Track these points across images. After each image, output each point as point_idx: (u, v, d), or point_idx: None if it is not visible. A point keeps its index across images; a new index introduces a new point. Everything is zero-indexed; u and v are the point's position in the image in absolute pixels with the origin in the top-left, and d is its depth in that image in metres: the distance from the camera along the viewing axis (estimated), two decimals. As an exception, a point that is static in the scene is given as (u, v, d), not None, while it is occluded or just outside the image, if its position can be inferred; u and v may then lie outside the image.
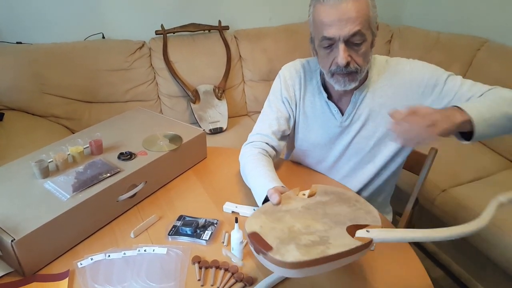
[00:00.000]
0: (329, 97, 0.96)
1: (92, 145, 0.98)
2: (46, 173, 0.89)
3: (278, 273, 0.59)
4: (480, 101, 0.79)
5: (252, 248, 0.60)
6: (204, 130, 1.13)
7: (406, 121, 0.67)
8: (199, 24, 2.13)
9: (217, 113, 2.05)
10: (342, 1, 0.77)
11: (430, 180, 1.58)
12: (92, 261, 0.76)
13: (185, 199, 0.97)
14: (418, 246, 1.74)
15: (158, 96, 2.09)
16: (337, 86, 0.86)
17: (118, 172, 0.90)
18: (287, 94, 1.00)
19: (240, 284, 0.71)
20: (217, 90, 2.08)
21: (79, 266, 0.75)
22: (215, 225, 0.86)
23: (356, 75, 0.84)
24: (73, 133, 1.32)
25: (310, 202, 0.69)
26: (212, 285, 0.71)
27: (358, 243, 0.58)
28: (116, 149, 1.01)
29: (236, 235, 0.74)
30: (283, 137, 1.03)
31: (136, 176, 0.92)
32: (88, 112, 1.93)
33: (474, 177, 1.61)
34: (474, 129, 0.72)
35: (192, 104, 2.04)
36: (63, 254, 0.80)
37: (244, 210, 0.91)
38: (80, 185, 0.84)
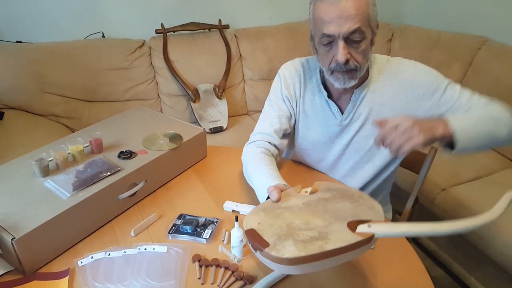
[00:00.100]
0: (329, 95, 0.96)
1: (92, 144, 0.98)
2: (46, 171, 0.89)
3: (276, 270, 0.59)
4: (469, 117, 0.81)
5: (250, 246, 0.60)
6: (204, 129, 1.13)
7: (387, 134, 0.71)
8: (199, 23, 2.13)
9: (217, 112, 2.05)
10: None
11: (430, 179, 1.58)
12: (93, 259, 0.76)
13: (185, 198, 0.97)
14: (418, 245, 1.74)
15: (158, 95, 2.09)
16: (336, 84, 0.86)
17: (118, 171, 0.90)
18: (287, 93, 1.00)
19: (240, 283, 0.71)
20: (217, 89, 2.08)
21: (80, 264, 0.75)
22: (215, 223, 0.86)
23: (356, 73, 0.84)
24: (73, 132, 1.32)
25: (311, 199, 0.69)
26: (212, 284, 0.71)
27: (359, 238, 0.57)
28: (116, 148, 1.01)
29: (236, 234, 0.74)
30: (285, 136, 1.03)
31: (136, 175, 0.92)
32: (88, 111, 1.93)
33: (474, 176, 1.61)
34: (455, 143, 0.74)
35: (192, 103, 2.04)
36: (63, 252, 0.80)
37: (244, 209, 0.91)
38: (80, 184, 0.84)
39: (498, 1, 1.98)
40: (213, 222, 0.86)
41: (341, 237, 0.58)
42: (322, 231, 0.59)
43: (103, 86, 1.94)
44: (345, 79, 0.85)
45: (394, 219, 1.20)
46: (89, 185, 0.85)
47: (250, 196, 0.97)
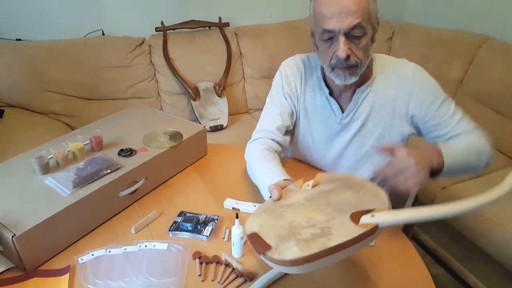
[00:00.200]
0: (330, 93, 0.96)
1: (92, 141, 0.98)
2: (47, 169, 0.89)
3: (281, 270, 0.58)
4: (458, 149, 0.84)
5: (253, 249, 0.59)
6: (204, 127, 1.13)
7: (390, 177, 0.71)
8: (199, 21, 2.13)
9: (217, 110, 2.04)
10: None
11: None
12: (93, 256, 0.76)
13: (186, 196, 0.97)
14: (418, 242, 1.74)
15: (158, 93, 2.09)
16: (337, 80, 0.86)
17: (119, 168, 0.90)
18: (288, 90, 1.00)
19: (240, 280, 0.71)
20: (217, 87, 2.08)
21: (80, 261, 0.75)
22: (216, 221, 0.86)
23: (357, 69, 0.84)
24: (73, 130, 1.33)
25: (313, 193, 0.68)
26: (212, 281, 0.71)
27: (362, 230, 0.56)
28: (116, 146, 1.01)
29: (237, 231, 0.74)
30: (287, 132, 1.03)
31: (136, 172, 0.92)
32: (88, 109, 1.93)
33: (474, 174, 1.61)
34: (440, 173, 0.78)
35: (192, 101, 2.04)
36: (64, 249, 0.80)
37: (245, 207, 0.91)
38: (81, 181, 0.84)
39: (499, -1, 1.98)
40: (213, 220, 0.86)
41: (344, 231, 0.56)
42: (325, 226, 0.58)
43: (103, 84, 1.94)
44: (346, 76, 0.84)
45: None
46: (89, 183, 0.85)
47: (251, 194, 0.97)
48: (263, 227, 0.60)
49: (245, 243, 0.80)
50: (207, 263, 0.75)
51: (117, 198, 0.89)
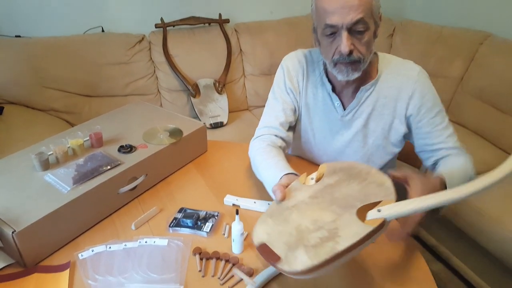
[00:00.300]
0: (332, 89, 0.95)
1: (92, 137, 0.98)
2: (46, 165, 0.89)
3: (293, 277, 0.57)
4: (458, 177, 0.83)
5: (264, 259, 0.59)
6: (204, 123, 1.13)
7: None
8: (199, 17, 2.12)
9: (217, 107, 2.04)
10: None
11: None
12: (93, 252, 0.76)
13: (186, 192, 0.97)
14: (418, 239, 1.74)
15: (158, 90, 2.09)
16: (340, 76, 0.86)
17: (119, 164, 0.90)
18: (291, 85, 0.99)
19: (240, 275, 0.71)
20: (217, 84, 2.08)
21: (80, 257, 0.75)
22: (216, 217, 0.86)
23: (359, 65, 0.84)
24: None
25: (318, 188, 0.67)
26: (212, 276, 0.72)
27: (369, 229, 0.55)
28: (116, 142, 1.00)
29: (237, 227, 0.74)
30: (290, 128, 1.02)
31: (136, 168, 0.92)
32: (88, 106, 1.93)
33: (475, 171, 1.61)
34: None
35: (192, 98, 2.03)
36: (64, 245, 0.80)
37: (245, 203, 0.91)
38: (81, 178, 0.84)
39: (500, -4, 1.97)
40: (213, 216, 0.86)
41: (352, 231, 0.56)
42: (332, 228, 0.58)
43: (103, 81, 1.94)
44: (349, 71, 0.84)
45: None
46: (89, 179, 0.84)
47: (251, 190, 0.97)
48: (271, 235, 0.60)
49: (245, 239, 0.80)
50: (207, 259, 0.75)
51: (117, 194, 0.89)
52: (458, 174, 0.83)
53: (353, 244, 0.54)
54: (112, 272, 0.72)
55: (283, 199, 0.67)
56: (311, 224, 0.60)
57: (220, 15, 2.15)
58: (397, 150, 1.00)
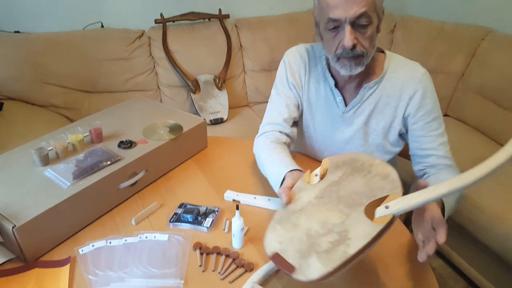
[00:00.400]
0: (335, 85, 0.95)
1: (92, 133, 0.98)
2: (46, 161, 0.88)
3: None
4: (453, 202, 0.80)
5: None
6: (204, 119, 1.13)
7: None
8: (199, 13, 2.11)
9: (217, 103, 2.04)
10: None
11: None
12: (93, 247, 0.76)
13: (186, 188, 0.97)
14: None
15: (158, 86, 2.08)
16: (343, 70, 0.85)
17: (119, 160, 0.90)
18: (293, 80, 0.98)
19: (240, 270, 0.71)
20: (217, 80, 2.07)
21: (81, 252, 0.75)
22: (216, 212, 0.86)
23: (363, 59, 0.83)
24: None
25: (323, 187, 0.66)
26: (213, 271, 0.72)
27: (379, 228, 0.55)
28: (116, 138, 1.00)
29: (237, 222, 0.74)
30: (294, 124, 1.02)
31: (136, 164, 0.92)
32: (88, 102, 1.93)
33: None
34: None
35: (192, 94, 2.03)
36: (64, 240, 0.80)
37: (245, 198, 0.91)
38: (81, 173, 0.84)
39: (502, -9, 1.96)
40: (214, 211, 0.86)
41: (362, 232, 0.56)
42: (341, 230, 0.57)
43: (102, 77, 1.93)
44: (352, 66, 0.83)
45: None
46: (90, 174, 0.84)
47: (251, 186, 0.96)
48: (283, 244, 0.59)
49: (245, 234, 0.80)
50: (207, 254, 0.75)
51: (117, 189, 0.89)
52: (453, 201, 0.81)
53: (364, 246, 0.54)
54: (112, 267, 0.72)
55: (289, 202, 0.66)
56: (321, 228, 0.59)
57: (220, 10, 2.14)
58: (396, 149, 0.99)
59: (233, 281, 0.69)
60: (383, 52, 0.94)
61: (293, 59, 0.99)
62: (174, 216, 0.85)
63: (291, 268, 0.56)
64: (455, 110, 2.04)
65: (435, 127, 0.90)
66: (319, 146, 1.05)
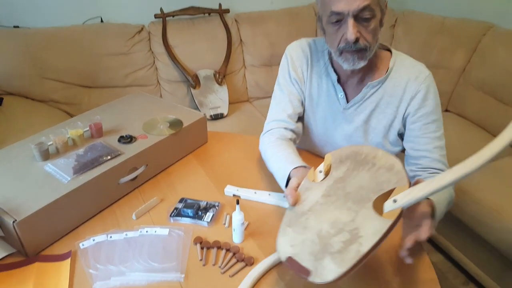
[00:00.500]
0: (337, 80, 0.94)
1: (92, 128, 0.98)
2: (46, 155, 0.88)
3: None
4: (443, 204, 0.78)
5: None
6: (204, 114, 1.12)
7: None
8: (199, 8, 2.10)
9: (217, 98, 2.03)
10: None
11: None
12: (94, 242, 0.76)
13: (186, 183, 0.97)
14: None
15: (158, 81, 2.08)
16: (345, 65, 0.84)
17: (119, 155, 0.90)
18: (295, 75, 0.98)
19: (241, 264, 0.72)
20: (217, 75, 2.06)
21: (81, 247, 0.75)
22: (217, 207, 0.86)
23: (365, 53, 0.82)
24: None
25: (328, 185, 0.65)
26: (213, 265, 0.72)
27: (389, 223, 0.55)
28: (116, 133, 1.00)
29: (237, 217, 0.74)
30: (299, 119, 1.01)
31: (136, 159, 0.92)
32: (88, 97, 1.92)
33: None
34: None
35: (192, 89, 2.02)
36: (65, 235, 0.80)
37: (246, 193, 0.91)
38: (81, 168, 0.84)
39: (503, -14, 1.94)
40: (214, 206, 0.86)
41: (372, 228, 0.56)
42: (352, 228, 0.57)
43: (102, 72, 1.93)
44: (355, 60, 0.82)
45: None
46: (90, 169, 0.84)
47: (251, 181, 0.97)
48: (295, 247, 0.59)
49: (245, 228, 0.80)
50: (208, 248, 0.75)
51: (118, 184, 0.89)
52: (443, 198, 0.79)
53: (376, 242, 0.54)
54: (113, 261, 0.72)
55: (295, 203, 0.66)
56: (331, 228, 0.59)
57: (220, 5, 2.13)
58: (396, 149, 0.98)
59: (233, 275, 0.70)
60: (389, 50, 0.92)
61: (295, 54, 0.98)
62: (175, 210, 0.85)
63: (307, 272, 0.56)
64: (455, 105, 2.03)
65: (432, 129, 0.89)
66: (319, 141, 1.05)
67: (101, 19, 2.01)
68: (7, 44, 1.72)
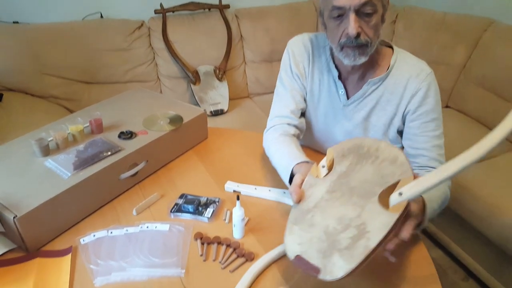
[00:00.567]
0: (338, 76, 0.94)
1: (92, 124, 0.98)
2: (47, 151, 0.88)
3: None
4: (436, 204, 0.78)
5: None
6: (204, 110, 1.12)
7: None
8: (199, 3, 2.09)
9: (218, 94, 2.03)
10: None
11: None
12: (95, 237, 0.76)
13: (187, 179, 0.97)
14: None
15: (158, 77, 2.07)
16: (346, 60, 0.84)
17: (119, 150, 0.90)
18: (297, 70, 0.97)
19: (241, 259, 0.72)
20: (217, 71, 2.06)
21: (82, 242, 0.76)
22: (217, 203, 0.86)
23: (367, 49, 0.81)
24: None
25: (332, 180, 0.65)
26: (214, 260, 0.72)
27: (396, 216, 0.55)
28: (116, 128, 1.00)
29: (238, 213, 0.74)
30: (302, 114, 1.01)
31: (137, 155, 0.92)
32: (88, 93, 1.92)
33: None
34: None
35: (192, 85, 2.02)
36: (65, 231, 0.80)
37: (246, 189, 0.91)
38: (81, 163, 0.84)
39: (505, -19, 1.93)
40: (214, 202, 0.86)
41: (380, 223, 0.55)
42: (359, 223, 0.57)
43: (102, 68, 1.92)
44: (356, 55, 0.82)
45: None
46: (90, 165, 0.84)
47: (251, 177, 0.97)
48: (303, 245, 0.59)
49: (246, 224, 0.80)
50: (208, 244, 0.75)
51: (118, 180, 0.89)
52: (437, 196, 0.79)
53: (384, 237, 0.54)
54: (113, 256, 0.72)
55: (299, 200, 0.66)
56: (338, 224, 0.59)
57: (220, 0, 2.12)
58: (396, 146, 0.98)
59: (234, 270, 0.70)
60: (391, 47, 0.92)
61: (297, 49, 0.97)
62: (175, 206, 0.85)
63: (316, 270, 0.55)
64: (456, 101, 2.03)
65: (432, 128, 0.88)
66: (320, 138, 1.05)
67: (101, 14, 2.01)
68: (6, 40, 1.71)
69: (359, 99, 0.93)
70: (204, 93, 2.01)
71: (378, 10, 0.79)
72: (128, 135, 0.96)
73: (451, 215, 1.52)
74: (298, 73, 0.97)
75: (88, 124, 0.99)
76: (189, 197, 0.88)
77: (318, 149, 1.08)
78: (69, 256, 0.72)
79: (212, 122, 1.87)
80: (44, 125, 1.00)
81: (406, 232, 0.61)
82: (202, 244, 0.75)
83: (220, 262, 0.71)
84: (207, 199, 0.87)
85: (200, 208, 0.84)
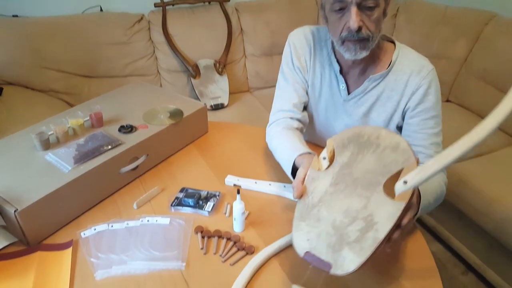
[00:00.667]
0: (340, 70, 0.93)
1: (92, 117, 0.97)
2: (47, 145, 0.88)
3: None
4: (431, 197, 0.78)
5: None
6: (205, 104, 1.12)
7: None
8: (199, -4, 2.08)
9: (218, 88, 2.02)
10: None
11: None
12: (95, 231, 0.77)
13: (187, 172, 0.97)
14: (418, 220, 1.76)
15: (158, 71, 2.06)
16: (347, 54, 0.83)
17: (120, 144, 0.90)
18: (299, 64, 0.97)
19: (241, 253, 0.72)
20: (217, 65, 2.05)
21: (83, 236, 0.76)
22: (217, 197, 0.86)
23: (368, 43, 0.81)
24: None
25: (335, 172, 0.64)
26: (214, 254, 0.72)
27: (402, 205, 0.54)
28: (116, 122, 1.00)
29: (238, 206, 0.74)
30: (305, 108, 1.01)
31: (137, 148, 0.92)
32: (88, 87, 1.91)
33: (475, 153, 1.61)
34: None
35: (192, 79, 2.01)
36: (66, 224, 0.80)
37: (246, 183, 0.91)
38: (82, 157, 0.84)
39: (508, -26, 1.91)
40: (215, 196, 0.86)
41: (387, 213, 0.55)
42: (366, 215, 0.57)
43: (102, 62, 1.91)
44: (357, 49, 0.81)
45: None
46: (91, 159, 0.84)
47: (252, 171, 0.97)
48: (311, 241, 0.59)
49: (246, 218, 0.80)
50: (209, 237, 0.76)
51: (119, 174, 0.89)
52: (432, 190, 0.79)
53: (392, 227, 0.54)
54: (114, 250, 0.72)
55: (300, 196, 0.65)
56: (345, 217, 0.58)
57: (220, -7, 2.10)
58: None
59: (234, 263, 0.70)
60: (393, 42, 0.91)
61: (298, 41, 0.97)
62: (176, 200, 0.85)
63: (328, 265, 0.55)
64: (457, 95, 2.02)
65: (431, 125, 0.88)
66: (320, 132, 1.05)
67: (101, 8, 1.99)
68: (6, 34, 1.70)
69: (359, 94, 0.92)
70: (204, 87, 2.00)
71: (380, 3, 0.78)
72: (128, 129, 0.96)
73: (451, 209, 1.52)
74: (300, 66, 0.97)
75: (88, 118, 0.98)
76: (189, 191, 0.88)
77: (319, 143, 1.08)
78: (70, 250, 0.73)
79: (212, 116, 1.87)
80: (44, 119, 1.00)
81: (406, 219, 0.61)
82: (203, 237, 0.75)
83: (220, 256, 0.72)
84: (208, 193, 0.87)
85: (201, 202, 0.84)
